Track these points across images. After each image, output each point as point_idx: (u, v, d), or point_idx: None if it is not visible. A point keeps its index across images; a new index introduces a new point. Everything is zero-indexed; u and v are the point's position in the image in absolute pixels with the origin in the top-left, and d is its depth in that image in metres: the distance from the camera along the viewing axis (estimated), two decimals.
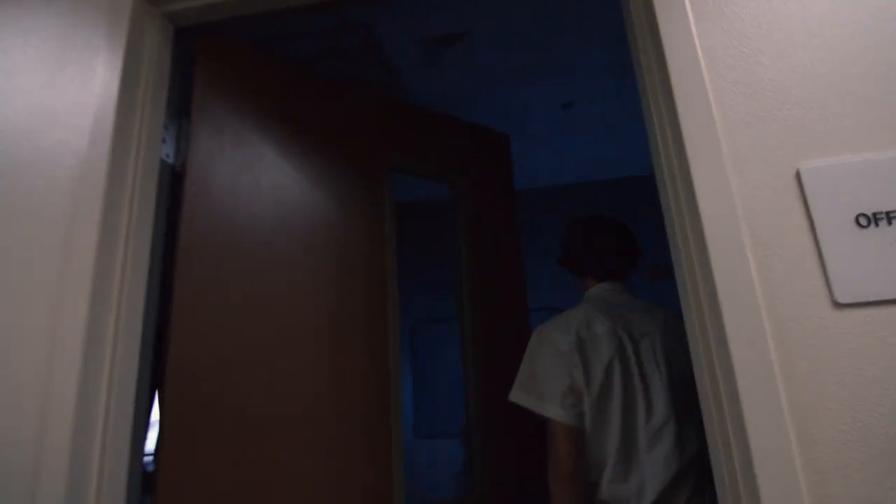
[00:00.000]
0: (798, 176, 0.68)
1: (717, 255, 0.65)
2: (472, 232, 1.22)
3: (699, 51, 0.73)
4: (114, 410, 0.68)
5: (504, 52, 1.44)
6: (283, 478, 0.79)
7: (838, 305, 0.63)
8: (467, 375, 1.17)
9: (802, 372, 0.62)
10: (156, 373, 0.78)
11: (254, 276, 0.84)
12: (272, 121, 0.93)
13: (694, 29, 0.74)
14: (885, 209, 0.65)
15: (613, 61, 1.58)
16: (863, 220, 0.65)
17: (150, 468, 0.77)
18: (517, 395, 1.00)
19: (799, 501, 0.56)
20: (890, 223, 0.64)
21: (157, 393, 0.80)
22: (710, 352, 0.66)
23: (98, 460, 0.65)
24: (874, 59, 0.70)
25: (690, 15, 0.75)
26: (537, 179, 2.69)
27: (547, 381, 0.99)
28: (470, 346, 1.17)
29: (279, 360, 0.85)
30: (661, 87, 0.73)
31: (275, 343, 0.85)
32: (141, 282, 0.75)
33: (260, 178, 0.89)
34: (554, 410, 0.97)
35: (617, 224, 1.15)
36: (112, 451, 0.67)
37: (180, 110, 0.89)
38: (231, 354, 0.79)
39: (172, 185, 0.86)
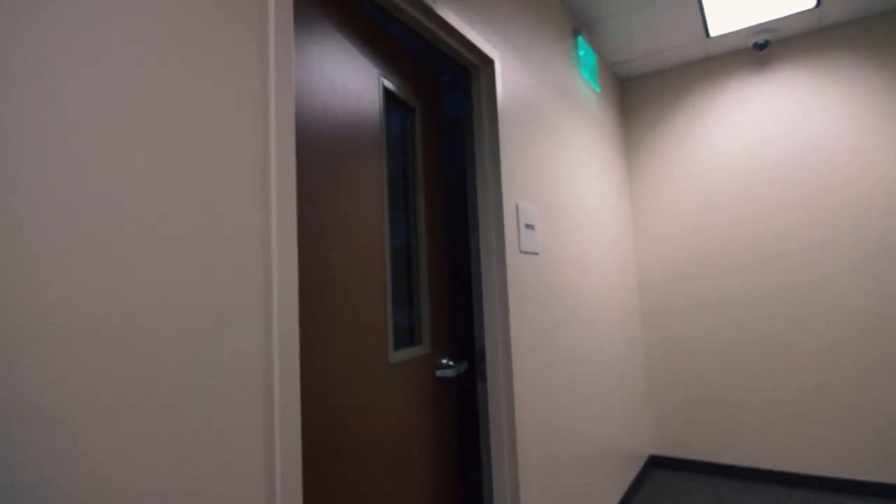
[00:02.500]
0: (516, 206, 1.93)
1: (506, 228, 1.80)
2: (424, 148, 1.70)
3: (504, 161, 1.87)
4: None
5: None
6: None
7: (521, 252, 1.91)
8: (418, 252, 1.63)
9: (514, 271, 1.84)
10: None
11: (325, 151, 1.20)
12: (330, 31, 1.25)
13: (503, 156, 1.87)
14: (528, 223, 1.99)
15: None
16: (525, 226, 1.97)
17: None
18: None
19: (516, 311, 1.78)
20: (530, 228, 1.99)
21: None
22: (494, 266, 1.80)
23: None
24: (537, 175, 2.06)
25: (504, 163, 1.87)
26: None
27: None
28: (423, 232, 1.64)
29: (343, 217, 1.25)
30: (492, 172, 1.82)
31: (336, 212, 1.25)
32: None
33: (324, 75, 1.24)
34: None
35: None
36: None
37: None
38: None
39: None
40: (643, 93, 3.57)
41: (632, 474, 2.94)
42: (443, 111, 1.90)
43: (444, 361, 1.67)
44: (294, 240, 1.00)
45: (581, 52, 2.73)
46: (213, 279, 0.85)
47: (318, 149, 1.22)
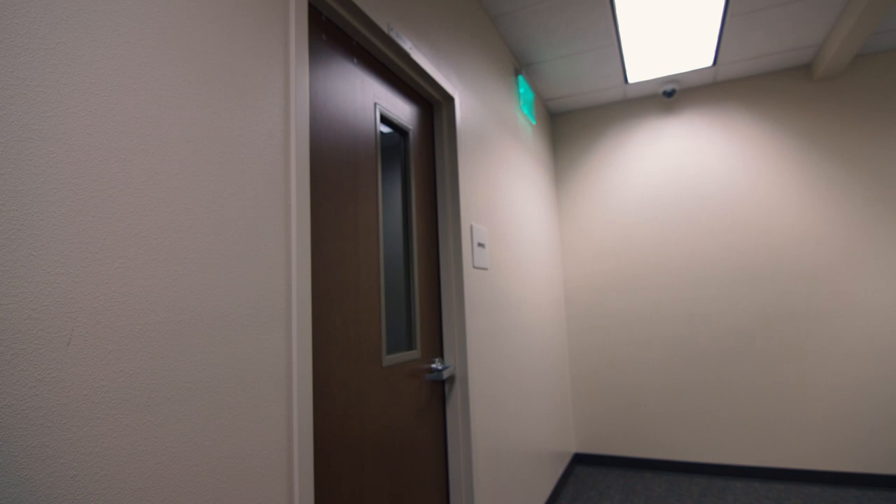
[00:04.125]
0: (471, 226, 2.17)
1: (463, 247, 2.03)
2: (416, 163, 1.88)
3: (461, 187, 2.10)
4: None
5: None
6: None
7: (474, 267, 2.15)
8: (410, 263, 1.80)
9: (470, 281, 2.07)
10: None
11: (334, 167, 1.36)
12: (334, 59, 1.45)
13: (461, 182, 2.11)
14: (480, 241, 2.24)
15: None
16: (478, 244, 2.21)
17: None
18: None
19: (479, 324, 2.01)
20: (481, 247, 2.23)
21: None
22: (452, 280, 2.02)
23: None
24: (493, 202, 2.31)
25: (461, 188, 2.11)
26: None
27: None
28: (416, 244, 1.84)
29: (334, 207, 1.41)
30: (452, 196, 2.05)
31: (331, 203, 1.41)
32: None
33: (332, 94, 1.42)
34: None
35: None
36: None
37: None
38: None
39: None
40: (571, 127, 3.98)
41: (560, 470, 3.25)
42: (432, 133, 2.10)
43: (434, 366, 1.86)
44: (308, 255, 1.16)
45: (521, 90, 3.06)
46: (246, 289, 1.00)
47: (322, 168, 1.38)
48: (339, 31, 1.51)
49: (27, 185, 0.66)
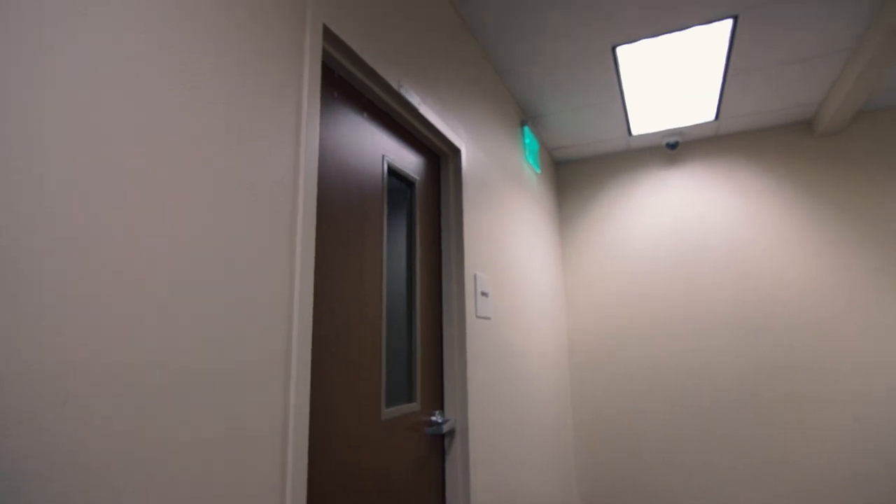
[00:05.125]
0: (475, 275, 2.17)
1: (466, 296, 2.04)
2: (422, 213, 1.93)
3: (466, 236, 2.13)
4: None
5: None
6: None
7: (477, 317, 2.15)
8: (413, 313, 1.81)
9: (472, 331, 2.06)
10: None
11: (340, 213, 1.37)
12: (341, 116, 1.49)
13: (466, 232, 2.14)
14: (483, 290, 2.24)
15: None
16: (481, 293, 2.21)
17: None
18: None
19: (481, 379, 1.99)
20: (485, 296, 2.24)
21: None
22: (455, 330, 2.01)
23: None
24: (495, 250, 2.33)
25: (466, 238, 2.14)
26: None
27: None
28: (419, 295, 1.86)
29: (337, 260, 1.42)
30: (456, 245, 2.07)
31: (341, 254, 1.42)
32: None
33: (341, 146, 1.44)
34: None
35: None
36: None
37: None
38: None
39: None
40: (576, 176, 4.04)
41: None
42: (439, 183, 2.15)
43: (434, 419, 1.83)
44: (310, 308, 1.17)
45: (527, 140, 3.13)
46: (245, 342, 1.01)
47: (329, 217, 1.41)
48: (350, 88, 1.57)
49: (28, 245, 0.68)
